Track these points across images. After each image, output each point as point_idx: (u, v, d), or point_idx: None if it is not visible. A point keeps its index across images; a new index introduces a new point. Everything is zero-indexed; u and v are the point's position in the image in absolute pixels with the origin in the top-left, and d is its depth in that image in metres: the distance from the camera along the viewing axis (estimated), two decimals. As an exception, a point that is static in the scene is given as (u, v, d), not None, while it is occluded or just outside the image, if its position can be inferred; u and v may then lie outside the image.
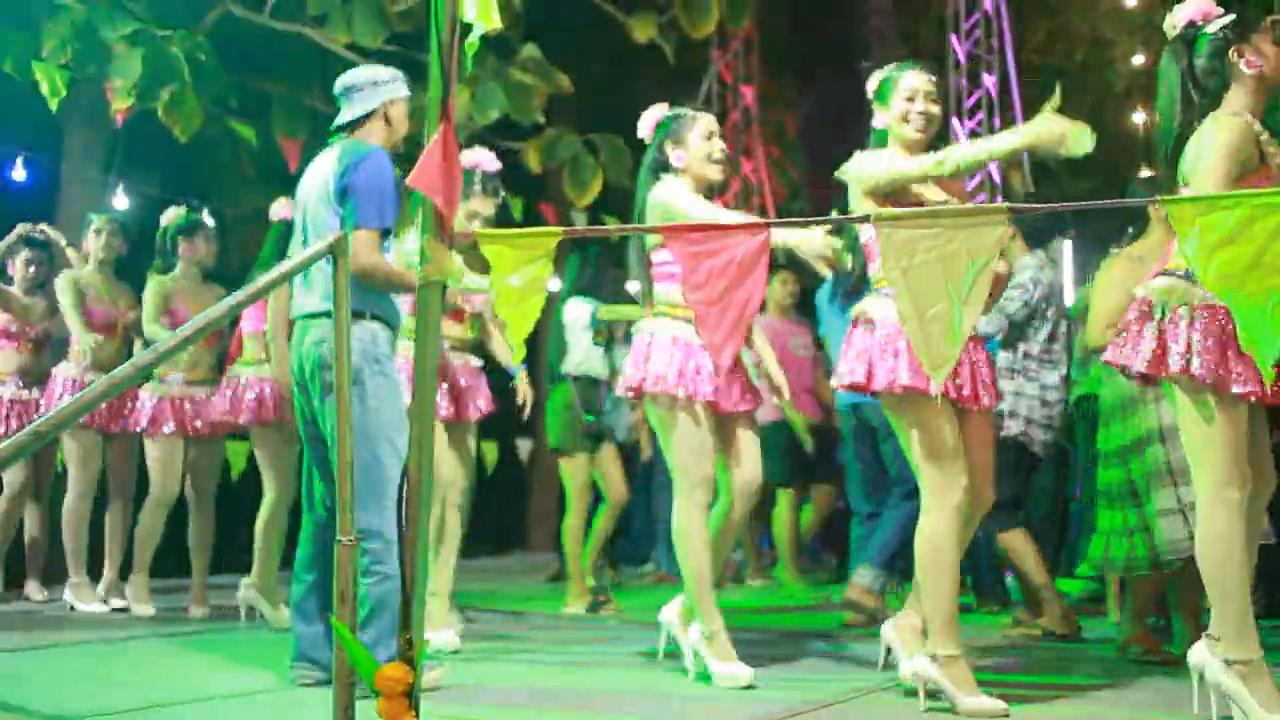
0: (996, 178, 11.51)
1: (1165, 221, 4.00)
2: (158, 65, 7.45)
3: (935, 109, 3.45)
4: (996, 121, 11.61)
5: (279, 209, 5.06)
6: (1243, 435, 2.87)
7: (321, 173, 3.57)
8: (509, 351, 3.86)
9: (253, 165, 8.85)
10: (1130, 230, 4.65)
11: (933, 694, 3.24)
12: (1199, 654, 3.00)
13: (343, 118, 3.65)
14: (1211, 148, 2.89)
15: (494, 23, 2.69)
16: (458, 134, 2.73)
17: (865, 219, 2.53)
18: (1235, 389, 2.80)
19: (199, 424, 5.34)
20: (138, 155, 8.67)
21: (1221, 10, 3.06)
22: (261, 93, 8.82)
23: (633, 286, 4.24)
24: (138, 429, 5.37)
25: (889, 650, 3.70)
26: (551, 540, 7.72)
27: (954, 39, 11.74)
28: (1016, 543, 4.87)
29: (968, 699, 3.15)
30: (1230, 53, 3.03)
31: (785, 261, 5.78)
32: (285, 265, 2.72)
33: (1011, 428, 4.82)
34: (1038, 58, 12.97)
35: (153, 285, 5.35)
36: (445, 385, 4.48)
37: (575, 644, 4.63)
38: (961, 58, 11.71)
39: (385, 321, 3.55)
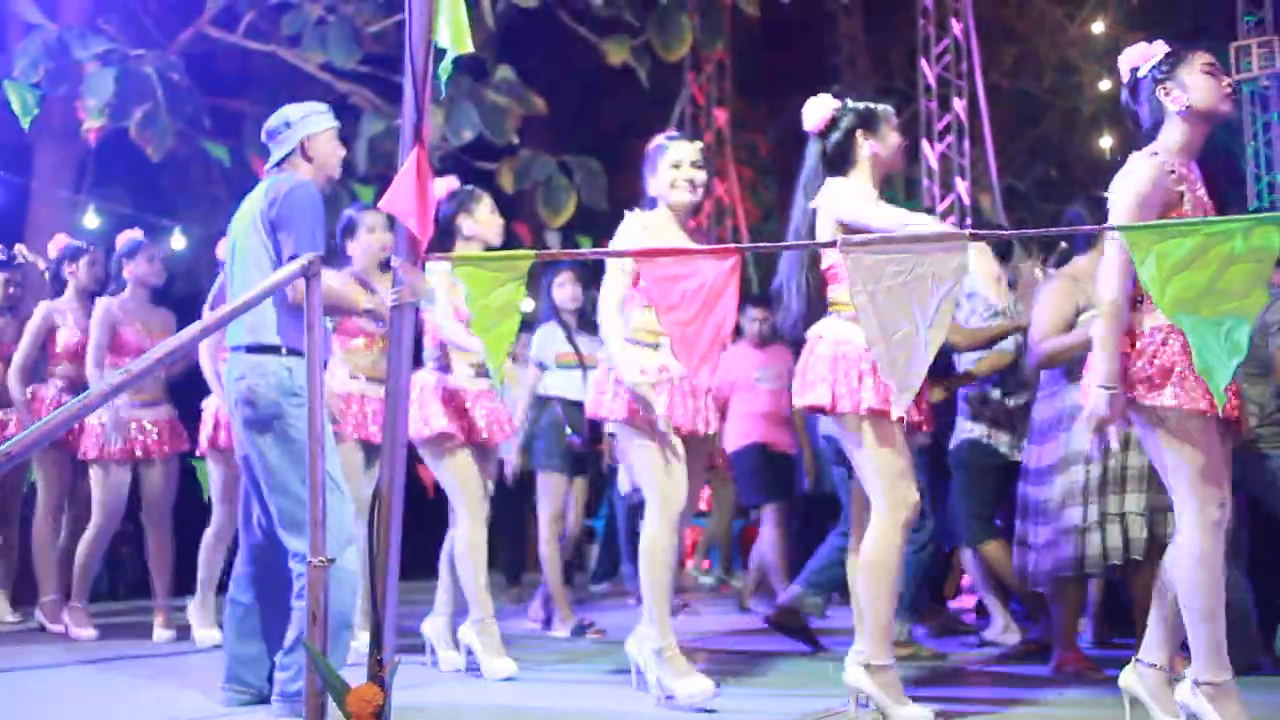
0: (966, 200, 11.64)
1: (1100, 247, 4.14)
2: (130, 84, 7.45)
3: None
4: (966, 144, 11.74)
5: None
6: (1216, 450, 2.90)
7: (249, 211, 3.63)
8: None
9: (225, 185, 8.83)
10: (1062, 245, 4.74)
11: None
12: (1127, 679, 3.09)
13: (272, 160, 3.74)
14: (1120, 190, 2.99)
15: (467, 46, 2.72)
16: (431, 155, 2.77)
17: (832, 244, 2.58)
18: (1187, 405, 2.85)
19: (147, 447, 5.32)
20: (109, 174, 8.64)
21: (1160, 52, 3.12)
22: (235, 112, 8.81)
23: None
24: (87, 456, 5.32)
25: None
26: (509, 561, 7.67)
27: (924, 64, 11.88)
28: (996, 554, 4.91)
29: (898, 708, 3.24)
30: (1158, 92, 3.10)
31: (759, 293, 5.83)
32: (250, 293, 2.73)
33: (974, 430, 4.89)
34: (1006, 83, 13.16)
35: (98, 309, 5.34)
36: (463, 409, 4.37)
37: (549, 663, 4.63)
38: (931, 82, 11.85)
39: (301, 355, 3.56)
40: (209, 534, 5.17)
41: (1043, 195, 13.38)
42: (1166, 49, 3.12)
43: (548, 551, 5.62)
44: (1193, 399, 2.85)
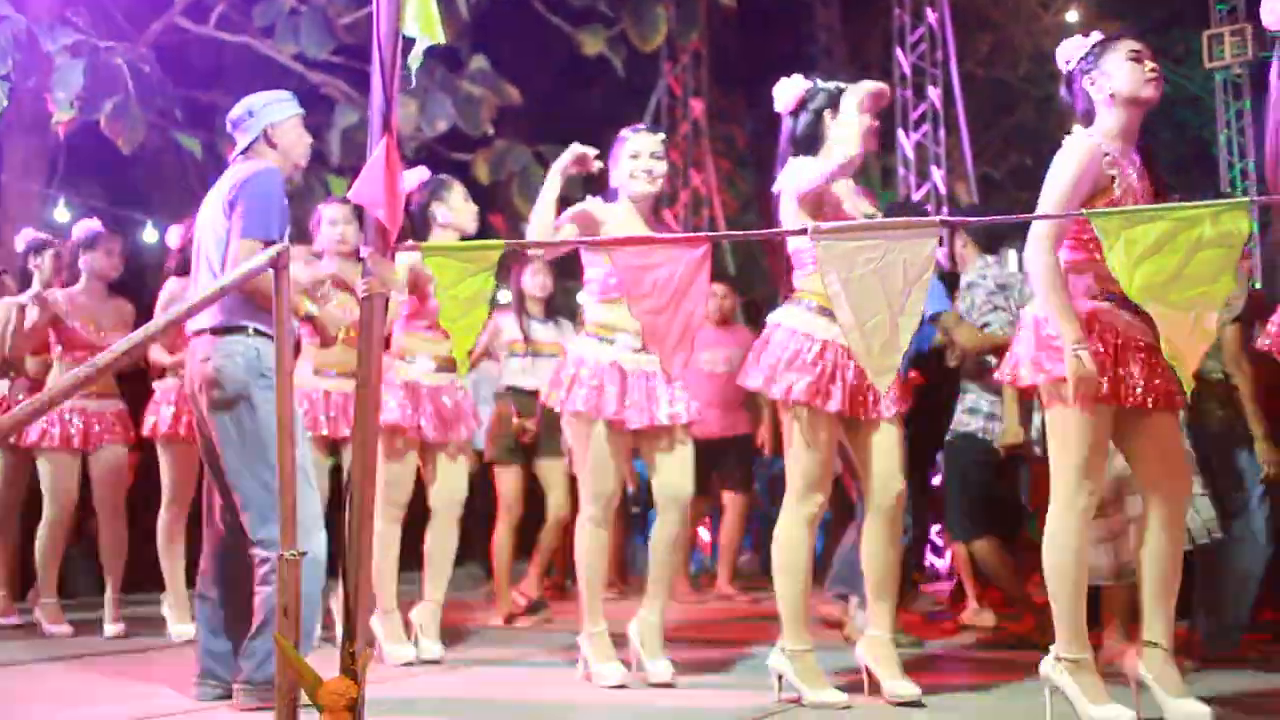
0: (943, 189, 11.66)
1: None
2: (99, 76, 7.37)
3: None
4: (941, 133, 11.76)
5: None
6: (1100, 443, 3.00)
7: (217, 196, 3.61)
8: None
9: (199, 178, 8.76)
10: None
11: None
12: (1130, 662, 3.12)
13: (238, 149, 3.71)
14: (1054, 171, 3.04)
15: (437, 36, 2.70)
16: (405, 146, 2.75)
17: (803, 232, 2.58)
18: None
19: (89, 437, 5.25)
20: (80, 167, 8.56)
21: (1091, 43, 3.16)
22: (207, 104, 8.75)
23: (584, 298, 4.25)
24: (27, 444, 5.27)
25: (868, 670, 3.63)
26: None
27: (899, 52, 11.88)
28: (984, 553, 4.90)
29: (811, 692, 3.38)
30: (1084, 81, 3.15)
31: (731, 272, 5.80)
32: (222, 280, 2.71)
33: (971, 424, 4.89)
34: (981, 71, 13.18)
35: (47, 299, 5.27)
36: (431, 408, 4.40)
37: (518, 656, 4.62)
38: (907, 71, 11.85)
39: (269, 336, 3.54)
40: (161, 529, 5.12)
41: (1017, 184, 13.42)
42: (1098, 39, 3.16)
43: (497, 539, 5.61)
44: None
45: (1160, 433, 3.08)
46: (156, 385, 5.18)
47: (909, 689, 3.39)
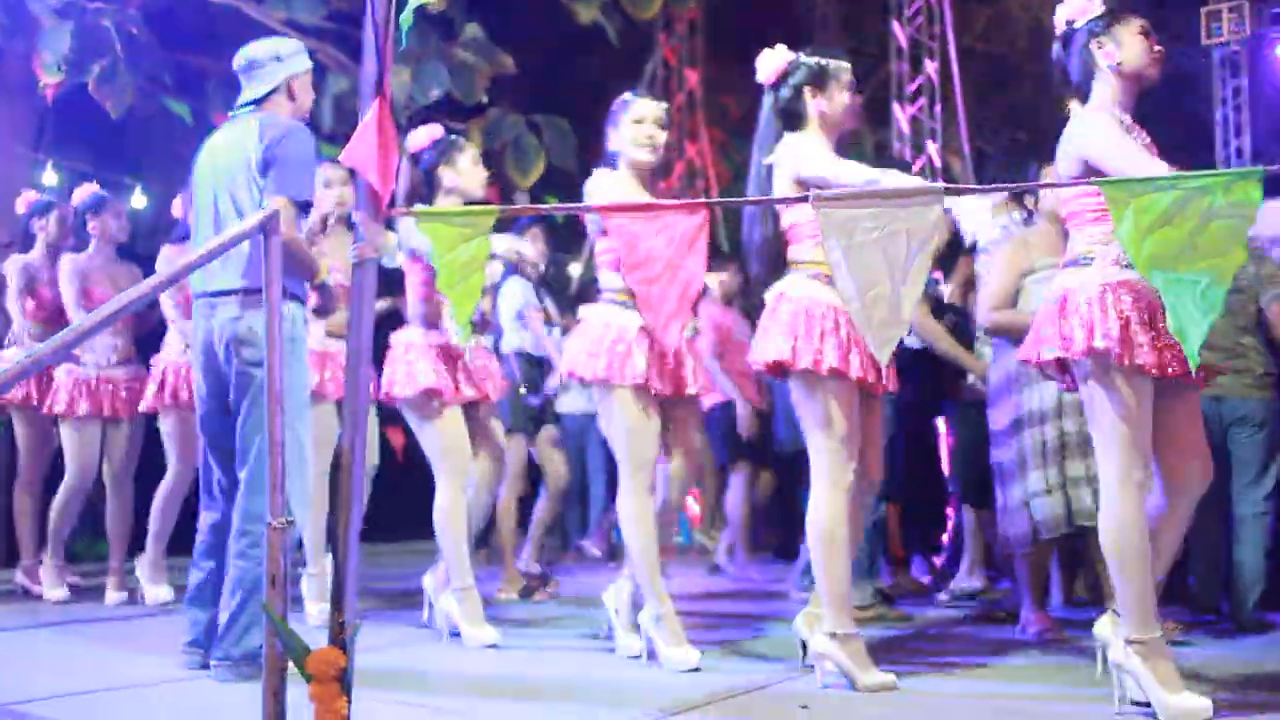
0: (938, 162, 11.59)
1: (1053, 211, 4.13)
2: (87, 39, 7.27)
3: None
4: (937, 108, 11.68)
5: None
6: (1146, 415, 2.92)
7: (239, 147, 3.48)
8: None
9: (188, 143, 8.65)
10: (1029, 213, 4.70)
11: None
12: (1102, 628, 3.06)
13: (249, 94, 3.59)
14: (1099, 136, 2.95)
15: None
16: (399, 113, 2.70)
17: (804, 199, 2.53)
18: (1139, 360, 2.85)
19: (116, 406, 5.23)
20: (68, 132, 8.45)
21: (1100, 6, 3.11)
22: (197, 69, 8.63)
23: (575, 269, 4.20)
24: (55, 411, 5.25)
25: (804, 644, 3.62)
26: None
27: (896, 25, 11.79)
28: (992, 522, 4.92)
29: (864, 675, 3.26)
30: (1091, 45, 3.09)
31: (724, 248, 5.77)
32: (213, 243, 2.65)
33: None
34: (979, 45, 13.07)
35: (65, 266, 5.23)
36: (467, 370, 4.24)
37: (517, 628, 4.60)
38: (903, 44, 11.76)
39: (300, 300, 3.50)
40: (163, 489, 5.12)
41: (1012, 159, 13.35)
42: (1109, 6, 3.11)
43: (502, 513, 5.55)
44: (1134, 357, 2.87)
45: (1186, 403, 3.03)
46: (157, 358, 5.14)
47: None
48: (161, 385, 5.04)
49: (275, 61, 3.56)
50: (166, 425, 5.13)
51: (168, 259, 4.91)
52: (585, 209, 3.61)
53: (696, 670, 3.53)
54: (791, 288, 3.41)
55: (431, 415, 4.14)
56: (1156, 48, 3.09)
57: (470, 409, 4.30)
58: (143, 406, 5.15)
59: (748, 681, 3.39)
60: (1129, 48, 3.06)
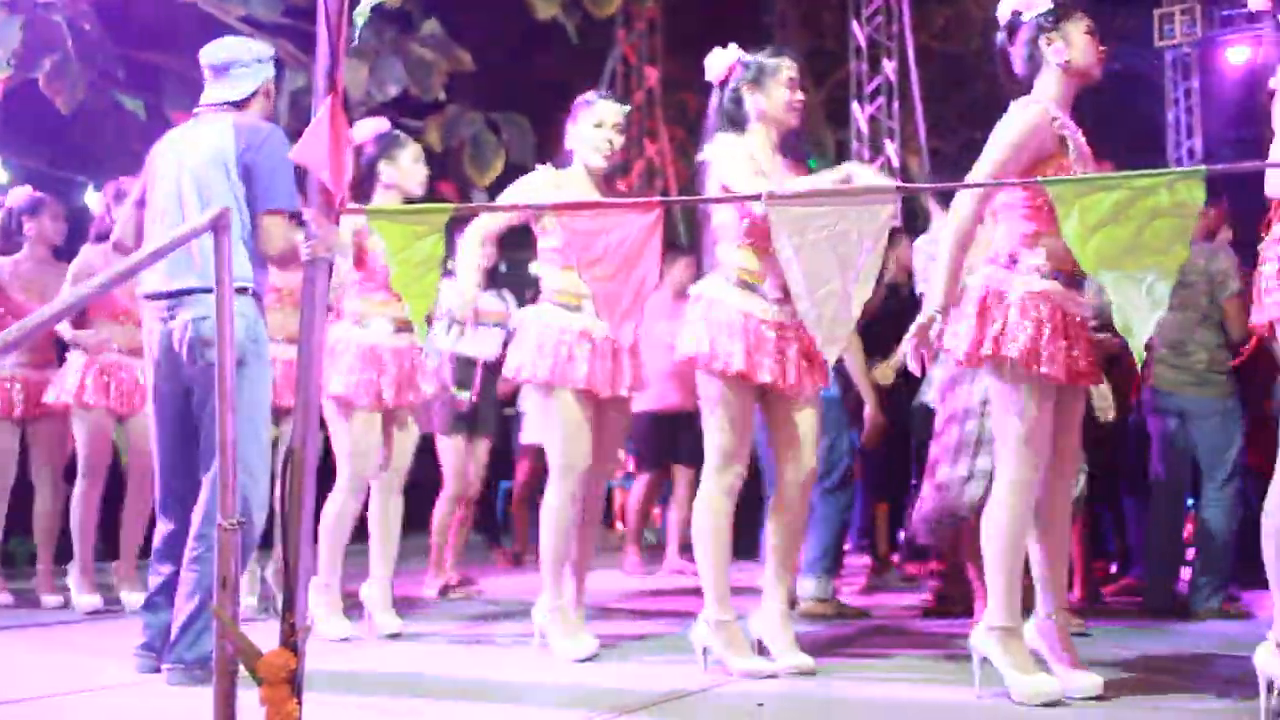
0: (895, 162, 11.67)
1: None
2: (38, 33, 7.17)
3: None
4: (895, 106, 11.76)
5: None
6: (1048, 421, 3.02)
7: (211, 148, 3.42)
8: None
9: (142, 140, 8.54)
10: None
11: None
12: (1029, 631, 3.15)
13: (227, 94, 3.52)
14: (998, 135, 3.03)
15: (385, -8, 2.62)
16: (354, 110, 2.68)
17: (758, 197, 2.53)
18: (1044, 369, 2.93)
19: (30, 404, 5.11)
20: (19, 128, 8.32)
21: (1049, 1, 3.14)
22: (151, 65, 8.53)
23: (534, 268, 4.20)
24: None
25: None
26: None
27: (855, 24, 11.85)
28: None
29: (738, 659, 3.40)
30: (1040, 40, 3.12)
31: (683, 242, 5.77)
32: (163, 241, 2.62)
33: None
34: (936, 44, 13.18)
35: None
36: (394, 371, 4.26)
37: (459, 628, 4.58)
38: (862, 43, 11.82)
39: (261, 299, 3.47)
40: (78, 493, 5.02)
41: (969, 158, 13.46)
42: (1058, 1, 3.14)
43: (438, 513, 5.57)
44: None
45: (1074, 410, 3.14)
46: (71, 355, 5.04)
47: (802, 660, 3.44)
48: (82, 387, 4.93)
49: (257, 64, 3.52)
50: (78, 427, 5.02)
51: (87, 260, 4.83)
52: (539, 207, 3.61)
53: (590, 660, 3.63)
54: (708, 288, 3.52)
55: (344, 417, 4.19)
56: (1101, 48, 3.13)
57: (391, 412, 4.33)
58: (49, 397, 5.00)
59: (698, 682, 3.39)
60: (1077, 46, 3.10)
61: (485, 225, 3.95)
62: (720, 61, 3.62)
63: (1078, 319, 3.04)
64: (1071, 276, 2.99)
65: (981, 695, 3.08)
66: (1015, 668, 3.00)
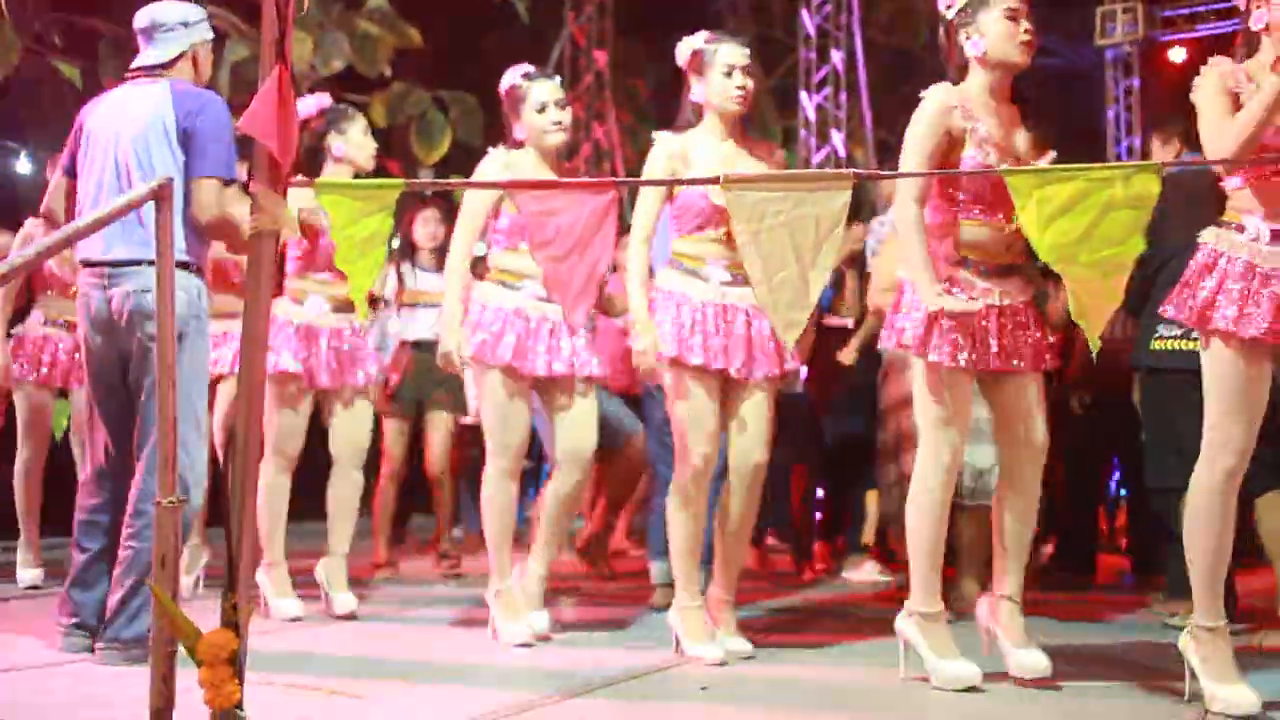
0: (842, 152, 11.72)
1: None
2: (-30, -4, 6.97)
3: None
4: (843, 97, 11.80)
5: None
6: (962, 404, 3.09)
7: (149, 112, 3.33)
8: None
9: (78, 106, 8.33)
10: None
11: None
12: (982, 611, 3.24)
13: (152, 57, 3.45)
14: (908, 129, 3.09)
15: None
16: (299, 85, 2.62)
17: (715, 181, 2.52)
18: (933, 357, 3.06)
19: None
20: (-51, 94, 8.10)
21: None
22: (88, 31, 8.33)
23: (482, 248, 4.15)
24: None
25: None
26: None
27: (804, 13, 11.88)
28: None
29: (695, 644, 3.45)
30: (960, 34, 3.14)
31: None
32: (104, 209, 2.54)
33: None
34: (882, 37, 13.25)
35: None
36: (328, 352, 4.22)
37: (406, 609, 4.54)
38: (811, 32, 11.85)
39: (203, 273, 3.40)
40: (20, 468, 4.97)
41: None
42: None
43: (380, 494, 5.55)
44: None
45: (1023, 393, 3.15)
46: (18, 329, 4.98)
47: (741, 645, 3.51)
48: (30, 360, 4.89)
49: (182, 27, 3.44)
50: (19, 399, 4.97)
51: (29, 232, 4.72)
52: (493, 185, 3.58)
53: (529, 646, 3.61)
54: (663, 279, 3.56)
55: (279, 399, 4.14)
56: (1025, 28, 3.07)
57: (332, 393, 4.28)
58: None
59: (646, 663, 3.39)
60: (990, 34, 3.08)
61: (468, 239, 3.83)
62: (684, 48, 3.62)
63: (998, 305, 3.07)
64: (980, 265, 3.06)
65: (905, 678, 3.15)
66: (935, 652, 3.06)
